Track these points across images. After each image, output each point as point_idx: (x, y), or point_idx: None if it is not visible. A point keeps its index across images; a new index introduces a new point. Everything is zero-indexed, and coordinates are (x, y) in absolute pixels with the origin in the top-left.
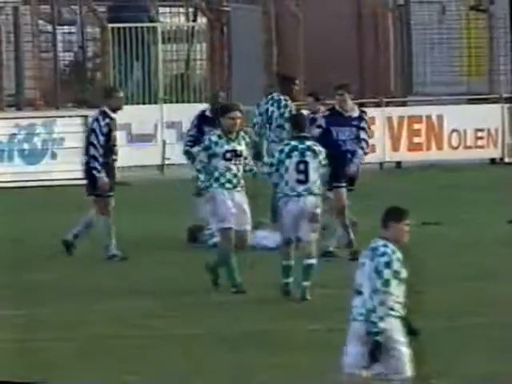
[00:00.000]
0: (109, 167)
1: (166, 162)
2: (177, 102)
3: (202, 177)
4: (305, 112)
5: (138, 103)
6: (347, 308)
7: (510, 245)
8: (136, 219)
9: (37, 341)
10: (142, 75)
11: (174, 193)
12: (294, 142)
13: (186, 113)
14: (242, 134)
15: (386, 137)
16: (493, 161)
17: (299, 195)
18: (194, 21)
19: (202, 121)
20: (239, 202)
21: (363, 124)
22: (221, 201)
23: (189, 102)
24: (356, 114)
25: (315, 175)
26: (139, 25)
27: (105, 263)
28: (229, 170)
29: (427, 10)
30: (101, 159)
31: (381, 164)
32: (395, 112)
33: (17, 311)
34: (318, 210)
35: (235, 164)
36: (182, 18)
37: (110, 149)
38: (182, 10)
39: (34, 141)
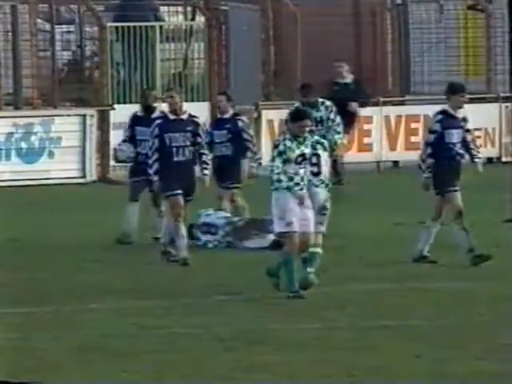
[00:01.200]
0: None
1: None
2: None
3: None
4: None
5: (136, 102)
6: (345, 306)
7: (506, 245)
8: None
9: (34, 340)
10: (141, 74)
11: None
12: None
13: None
14: (310, 137)
15: (383, 136)
16: (490, 160)
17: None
18: (192, 20)
19: (134, 122)
20: (305, 205)
21: (468, 126)
22: (287, 204)
23: (186, 101)
24: (462, 115)
25: (326, 168)
26: (138, 24)
27: (102, 263)
28: (297, 173)
29: (425, 9)
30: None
31: (378, 163)
32: (393, 111)
33: (14, 310)
34: (327, 203)
35: (304, 167)
36: (181, 17)
37: None
38: (180, 9)
39: (32, 140)
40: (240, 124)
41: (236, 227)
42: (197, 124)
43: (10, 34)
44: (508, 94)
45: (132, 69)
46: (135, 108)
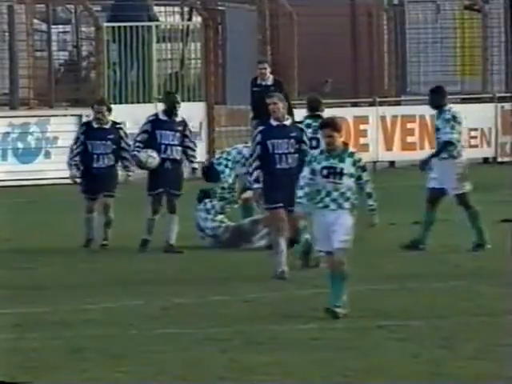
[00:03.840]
0: None
1: None
2: None
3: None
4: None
5: (132, 102)
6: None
7: (502, 245)
8: (135, 218)
9: (29, 341)
10: (137, 74)
11: None
12: (308, 120)
13: (180, 112)
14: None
15: (379, 136)
16: (486, 160)
17: None
18: (189, 20)
19: (156, 126)
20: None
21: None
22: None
23: (183, 101)
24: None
25: None
26: (134, 24)
27: (98, 263)
28: (324, 187)
29: (421, 9)
30: None
31: (374, 163)
32: (389, 111)
33: (10, 310)
34: None
35: (333, 182)
36: (177, 18)
37: None
38: (177, 9)
39: (28, 140)
40: None
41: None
42: (301, 130)
43: (6, 34)
44: (504, 94)
45: (128, 69)
46: (130, 108)
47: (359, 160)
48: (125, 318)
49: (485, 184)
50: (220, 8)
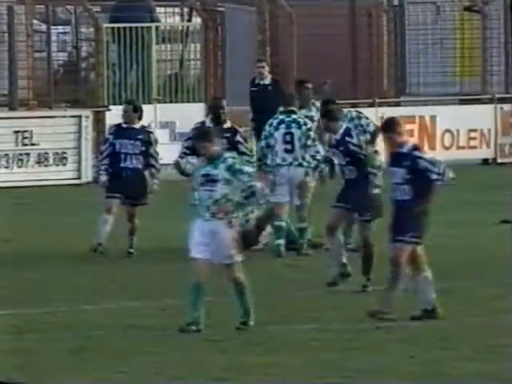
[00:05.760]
0: None
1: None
2: (170, 102)
3: None
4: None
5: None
6: (339, 308)
7: (500, 245)
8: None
9: (28, 341)
10: (136, 75)
11: (169, 194)
12: (281, 116)
13: (180, 113)
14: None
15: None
16: (485, 161)
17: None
18: (189, 21)
19: None
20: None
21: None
22: None
23: (182, 102)
24: None
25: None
26: (134, 25)
27: (97, 264)
28: (200, 196)
29: (421, 10)
30: None
31: None
32: (388, 112)
33: (9, 311)
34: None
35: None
36: (177, 18)
37: None
38: (176, 10)
39: (27, 140)
40: None
41: None
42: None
43: (5, 34)
44: (503, 95)
45: (128, 70)
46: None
47: (233, 164)
48: (124, 319)
49: (484, 185)
50: (220, 9)
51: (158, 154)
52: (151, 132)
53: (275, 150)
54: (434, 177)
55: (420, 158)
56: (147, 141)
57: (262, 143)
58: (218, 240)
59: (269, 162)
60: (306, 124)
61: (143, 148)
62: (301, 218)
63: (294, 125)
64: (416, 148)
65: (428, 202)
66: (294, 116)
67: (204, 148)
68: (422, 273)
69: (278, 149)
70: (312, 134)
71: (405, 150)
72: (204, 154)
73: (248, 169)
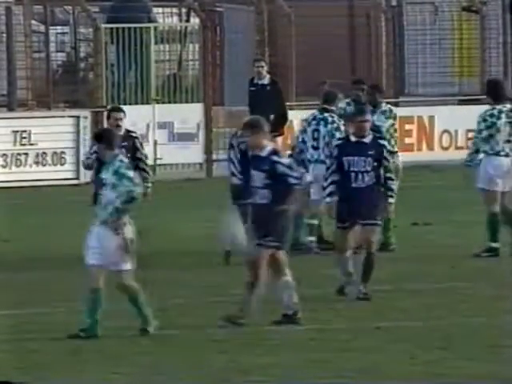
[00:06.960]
0: None
1: (158, 162)
2: (169, 102)
3: None
4: None
5: (130, 103)
6: (340, 308)
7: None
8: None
9: (27, 342)
10: (135, 75)
11: (167, 194)
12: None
13: (178, 113)
14: None
15: None
16: None
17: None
18: (187, 21)
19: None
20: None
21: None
22: None
23: (181, 102)
24: None
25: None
26: (133, 25)
27: None
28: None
29: (420, 10)
30: None
31: None
32: None
33: (8, 311)
34: None
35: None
36: (175, 19)
37: None
38: (175, 10)
39: (26, 141)
40: None
41: None
42: (381, 146)
43: (4, 35)
44: None
45: (126, 70)
46: (128, 109)
47: (118, 168)
48: (123, 319)
49: None
50: (218, 9)
51: (147, 157)
52: (136, 137)
53: (306, 146)
54: (293, 181)
55: (278, 162)
56: (131, 147)
57: (299, 138)
58: (104, 246)
59: (308, 156)
60: (333, 123)
61: (128, 155)
62: (313, 214)
63: (322, 122)
64: (275, 152)
65: (287, 206)
66: (326, 114)
67: (100, 151)
68: (283, 277)
69: (309, 145)
70: (338, 133)
71: (264, 153)
72: (102, 157)
73: (130, 173)
